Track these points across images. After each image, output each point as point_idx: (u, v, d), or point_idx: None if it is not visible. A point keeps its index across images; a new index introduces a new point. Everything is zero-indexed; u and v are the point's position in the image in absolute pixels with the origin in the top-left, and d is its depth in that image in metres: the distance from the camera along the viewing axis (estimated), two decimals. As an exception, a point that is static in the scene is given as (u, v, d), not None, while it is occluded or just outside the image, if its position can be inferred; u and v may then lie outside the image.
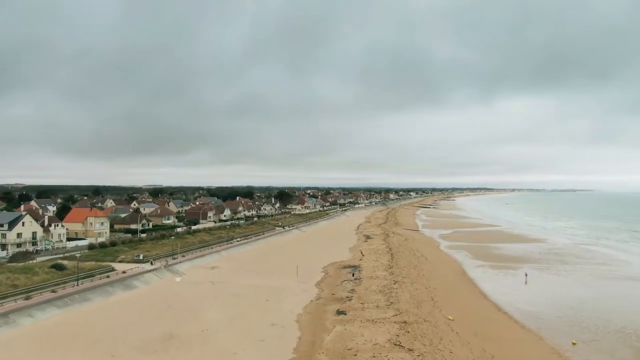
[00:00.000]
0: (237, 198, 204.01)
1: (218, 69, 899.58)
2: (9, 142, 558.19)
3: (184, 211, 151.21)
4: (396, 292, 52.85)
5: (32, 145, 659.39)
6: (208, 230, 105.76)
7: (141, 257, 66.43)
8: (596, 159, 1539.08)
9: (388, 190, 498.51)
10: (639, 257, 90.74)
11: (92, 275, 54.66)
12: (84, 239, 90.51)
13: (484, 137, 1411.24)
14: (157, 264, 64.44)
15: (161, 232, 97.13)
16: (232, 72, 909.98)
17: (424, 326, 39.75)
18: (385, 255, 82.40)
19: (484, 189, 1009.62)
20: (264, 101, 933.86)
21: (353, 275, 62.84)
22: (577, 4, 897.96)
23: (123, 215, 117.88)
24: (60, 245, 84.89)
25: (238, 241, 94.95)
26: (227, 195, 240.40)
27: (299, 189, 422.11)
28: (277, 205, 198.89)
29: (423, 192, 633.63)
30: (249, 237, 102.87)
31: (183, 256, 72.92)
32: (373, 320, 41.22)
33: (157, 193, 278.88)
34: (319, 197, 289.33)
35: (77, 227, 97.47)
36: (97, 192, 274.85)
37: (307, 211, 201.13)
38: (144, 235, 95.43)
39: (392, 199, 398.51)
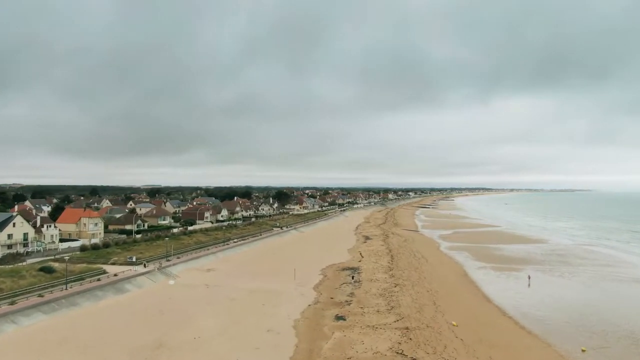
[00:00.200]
0: (235, 198, 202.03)
1: (216, 68, 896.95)
2: (7, 142, 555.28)
3: (180, 211, 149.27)
4: (397, 295, 51.11)
5: (30, 145, 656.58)
6: (204, 231, 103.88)
7: (134, 260, 64.52)
8: (594, 159, 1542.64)
9: (387, 191, 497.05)
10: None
11: (82, 279, 52.77)
12: (77, 240, 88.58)
13: (483, 137, 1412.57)
14: (151, 267, 62.53)
15: (156, 233, 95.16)
16: (231, 71, 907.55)
17: (427, 332, 38.02)
18: (385, 257, 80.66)
19: (483, 189, 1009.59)
20: (262, 101, 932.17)
21: (352, 278, 61.07)
22: (576, 3, 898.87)
23: (118, 216, 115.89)
24: (53, 246, 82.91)
25: (235, 242, 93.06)
26: (225, 195, 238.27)
27: (297, 189, 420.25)
28: (275, 205, 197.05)
29: (422, 192, 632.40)
30: (246, 238, 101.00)
31: (178, 258, 71.02)
32: (373, 326, 39.45)
33: (154, 193, 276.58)
34: (318, 197, 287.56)
35: (70, 227, 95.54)
36: (94, 192, 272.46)
37: (306, 211, 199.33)
38: (139, 236, 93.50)
39: (391, 199, 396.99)
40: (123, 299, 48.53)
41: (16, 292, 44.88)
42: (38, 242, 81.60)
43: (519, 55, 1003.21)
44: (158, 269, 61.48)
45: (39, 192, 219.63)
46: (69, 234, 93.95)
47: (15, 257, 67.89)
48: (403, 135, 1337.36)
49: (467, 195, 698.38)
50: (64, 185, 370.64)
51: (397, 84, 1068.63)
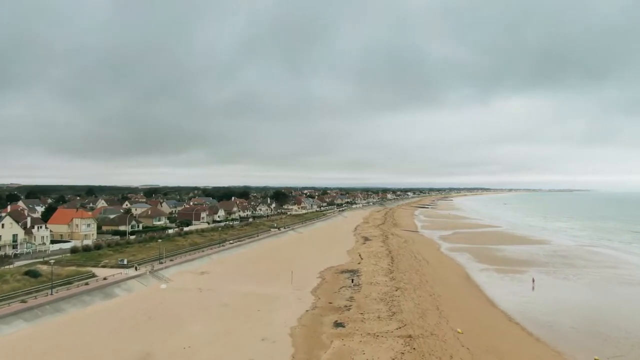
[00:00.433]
0: (233, 198, 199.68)
1: (215, 68, 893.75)
2: (5, 142, 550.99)
3: (176, 212, 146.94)
4: (398, 300, 49.00)
5: (28, 145, 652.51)
6: (200, 232, 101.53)
7: (125, 262, 62.24)
8: (593, 159, 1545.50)
9: (385, 190, 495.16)
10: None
11: (70, 283, 50.51)
12: (69, 242, 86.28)
13: (482, 137, 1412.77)
14: (143, 269, 60.30)
15: (150, 234, 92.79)
16: (229, 71, 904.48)
17: (431, 341, 35.91)
18: (385, 259, 78.56)
19: (481, 189, 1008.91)
20: (261, 101, 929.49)
21: (352, 282, 58.90)
22: (576, 3, 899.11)
23: (112, 216, 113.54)
24: (43, 248, 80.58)
25: (230, 244, 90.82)
26: (222, 195, 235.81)
27: (296, 189, 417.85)
28: (273, 205, 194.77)
29: (420, 192, 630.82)
30: (242, 239, 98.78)
31: (171, 260, 68.77)
32: (374, 334, 37.32)
33: (151, 193, 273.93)
34: (316, 197, 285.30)
35: (62, 228, 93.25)
36: (90, 192, 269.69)
37: (304, 211, 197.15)
38: (133, 237, 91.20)
39: (390, 199, 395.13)
40: (111, 304, 46.29)
41: (-2, 297, 42.63)
42: (28, 244, 79.28)
43: (518, 55, 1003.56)
44: (150, 272, 59.23)
45: (34, 193, 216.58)
46: (61, 235, 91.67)
47: (3, 260, 65.61)
48: (402, 135, 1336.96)
49: (465, 195, 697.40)
50: (62, 185, 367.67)
51: (396, 84, 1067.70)
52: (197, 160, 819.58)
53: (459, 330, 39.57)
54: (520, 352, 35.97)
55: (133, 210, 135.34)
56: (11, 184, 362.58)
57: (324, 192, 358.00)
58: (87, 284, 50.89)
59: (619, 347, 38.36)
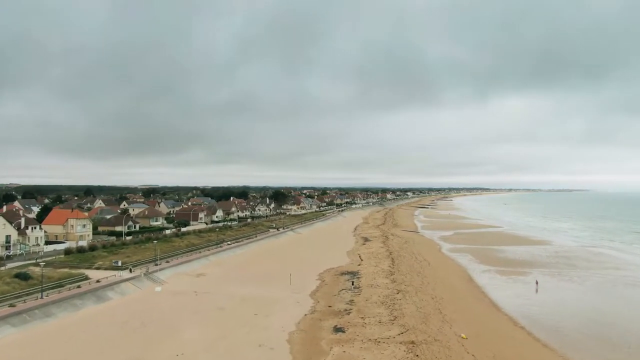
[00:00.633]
0: (231, 198, 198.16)
1: (213, 67, 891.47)
2: (4, 142, 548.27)
3: (174, 212, 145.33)
4: (400, 303, 47.59)
5: (28, 145, 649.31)
6: (198, 232, 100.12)
7: (119, 264, 60.73)
8: (591, 159, 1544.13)
9: (385, 190, 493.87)
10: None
11: (61, 286, 49.02)
12: (64, 242, 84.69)
13: (481, 137, 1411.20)
14: (137, 271, 58.80)
15: (147, 235, 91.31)
16: (228, 70, 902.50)
17: (435, 347, 34.50)
18: (386, 260, 77.15)
19: (481, 189, 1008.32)
20: (260, 100, 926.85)
21: (352, 284, 57.45)
22: (575, 3, 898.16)
23: (108, 217, 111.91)
24: (37, 249, 79.00)
25: (228, 244, 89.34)
26: (221, 195, 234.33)
27: (295, 189, 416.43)
28: (272, 205, 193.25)
29: (420, 192, 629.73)
30: (240, 240, 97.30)
31: (167, 262, 67.29)
32: (376, 340, 35.89)
33: (150, 193, 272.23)
34: (316, 197, 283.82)
35: (57, 229, 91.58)
36: (88, 192, 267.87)
37: (303, 212, 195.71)
38: (129, 238, 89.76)
39: (390, 199, 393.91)
40: (103, 308, 44.79)
41: (-15, 301, 41.16)
42: (21, 245, 77.71)
43: (517, 55, 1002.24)
44: (145, 274, 57.73)
45: (31, 192, 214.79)
46: (56, 236, 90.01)
47: (-5, 261, 64.01)
48: (401, 135, 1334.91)
49: (465, 195, 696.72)
50: (61, 185, 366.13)
51: (395, 84, 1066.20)
52: (196, 160, 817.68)
53: (463, 335, 38.18)
54: (528, 359, 34.61)
55: (130, 211, 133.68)
56: (10, 184, 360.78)
57: (323, 192, 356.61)
58: (79, 286, 49.41)
59: (630, 353, 37.03)
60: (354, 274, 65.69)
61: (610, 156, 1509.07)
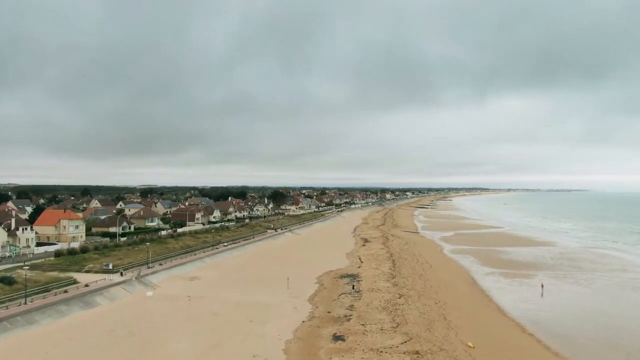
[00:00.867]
0: (229, 198, 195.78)
1: (211, 67, 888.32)
2: (2, 142, 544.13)
3: (170, 213, 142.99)
4: (402, 309, 45.44)
5: (27, 144, 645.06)
6: (194, 233, 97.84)
7: (110, 267, 58.46)
8: (591, 159, 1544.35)
9: (384, 190, 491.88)
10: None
11: (47, 290, 46.75)
12: (56, 244, 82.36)
13: (480, 137, 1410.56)
14: (129, 275, 56.56)
15: (141, 236, 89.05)
16: (226, 70, 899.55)
17: (441, 358, 32.35)
18: (386, 262, 75.00)
19: (480, 189, 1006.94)
20: (258, 100, 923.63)
21: (353, 288, 55.26)
22: (574, 2, 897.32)
23: (103, 217, 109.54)
24: (28, 251, 76.67)
25: (225, 246, 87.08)
26: (219, 195, 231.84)
27: (294, 189, 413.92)
28: (271, 206, 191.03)
29: (419, 192, 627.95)
30: (237, 241, 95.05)
31: (160, 264, 65.01)
32: (378, 349, 33.73)
33: (147, 193, 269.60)
34: (315, 197, 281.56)
35: (49, 230, 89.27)
36: (85, 192, 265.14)
37: (302, 212, 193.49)
38: (124, 239, 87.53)
39: (389, 199, 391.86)
40: (90, 314, 42.53)
41: (-35, 308, 38.90)
42: (11, 247, 75.43)
43: (516, 54, 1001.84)
44: (136, 277, 55.46)
45: (26, 192, 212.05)
46: (48, 237, 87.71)
47: (-19, 264, 61.72)
48: (400, 135, 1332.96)
49: (464, 195, 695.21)
50: (59, 185, 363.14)
51: (394, 83, 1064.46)
52: (195, 160, 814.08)
53: (470, 344, 36.07)
54: (540, 370, 32.57)
55: (126, 211, 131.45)
56: (8, 183, 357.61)
57: (322, 192, 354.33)
58: (66, 291, 47.15)
59: (645, 362, 34.99)
60: (354, 276, 63.55)
61: (610, 156, 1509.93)
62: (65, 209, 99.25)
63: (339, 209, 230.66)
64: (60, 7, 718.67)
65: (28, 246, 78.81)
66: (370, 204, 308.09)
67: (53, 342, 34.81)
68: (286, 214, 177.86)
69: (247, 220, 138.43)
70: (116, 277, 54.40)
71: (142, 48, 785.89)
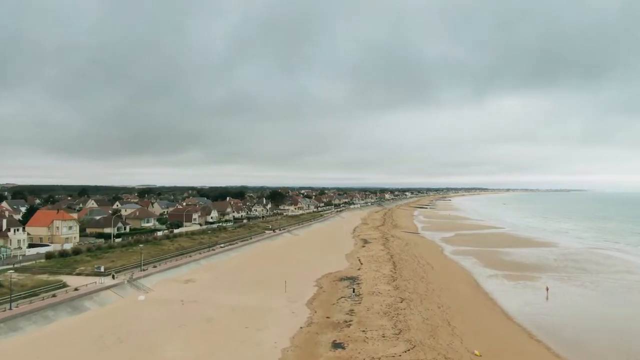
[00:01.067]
0: (227, 198, 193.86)
1: (210, 66, 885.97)
2: (1, 142, 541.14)
3: (167, 213, 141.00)
4: (404, 313, 43.67)
5: (26, 144, 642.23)
6: (190, 234, 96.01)
7: (102, 269, 56.58)
8: (590, 159, 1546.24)
9: (383, 190, 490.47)
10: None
11: (35, 295, 44.89)
12: (48, 245, 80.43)
13: (479, 137, 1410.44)
14: (121, 278, 54.69)
15: (137, 238, 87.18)
16: (225, 69, 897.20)
17: (446, 367, 30.60)
18: (387, 264, 73.23)
19: (479, 189, 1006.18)
20: (257, 100, 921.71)
21: (354, 291, 53.49)
22: (573, 1, 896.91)
23: (97, 218, 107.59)
24: (19, 253, 74.72)
25: (221, 247, 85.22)
26: (218, 195, 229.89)
27: (293, 189, 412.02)
28: (269, 206, 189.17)
29: (418, 192, 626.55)
30: (234, 242, 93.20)
31: (154, 267, 63.15)
32: (379, 358, 31.96)
33: (145, 193, 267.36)
34: (313, 197, 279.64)
35: (41, 231, 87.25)
36: (83, 192, 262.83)
37: (301, 212, 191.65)
38: (119, 240, 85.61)
39: (388, 199, 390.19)
40: (78, 320, 40.66)
41: (-54, 314, 37.01)
42: (2, 248, 73.46)
43: (515, 54, 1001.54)
44: (128, 280, 53.58)
45: (21, 192, 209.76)
46: (40, 239, 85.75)
47: (-31, 267, 59.81)
48: (399, 134, 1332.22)
49: (463, 195, 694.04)
50: (58, 185, 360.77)
51: (393, 83, 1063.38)
52: (195, 160, 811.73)
53: (476, 352, 34.31)
54: (550, 380, 30.83)
55: (123, 212, 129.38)
56: (7, 183, 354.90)
57: (321, 192, 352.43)
58: (54, 295, 45.27)
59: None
60: (353, 279, 61.77)
61: (609, 156, 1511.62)
62: (58, 210, 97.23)
63: (338, 209, 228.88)
64: (59, 6, 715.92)
65: (19, 248, 76.84)
66: (369, 204, 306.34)
67: (36, 350, 32.97)
68: (285, 214, 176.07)
69: (245, 221, 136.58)
70: (107, 281, 52.53)
71: (142, 48, 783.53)
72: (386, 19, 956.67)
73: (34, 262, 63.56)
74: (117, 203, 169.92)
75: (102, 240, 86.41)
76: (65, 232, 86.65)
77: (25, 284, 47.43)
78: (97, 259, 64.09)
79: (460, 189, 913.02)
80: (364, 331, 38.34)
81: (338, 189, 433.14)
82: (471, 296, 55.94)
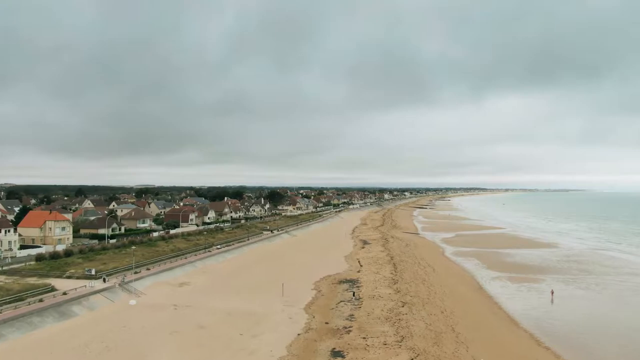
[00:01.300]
0: (225, 199, 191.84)
1: (206, 66, 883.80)
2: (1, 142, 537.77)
3: (164, 213, 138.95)
4: (406, 319, 41.90)
5: (23, 144, 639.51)
6: (186, 235, 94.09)
7: (93, 272, 54.68)
8: (588, 159, 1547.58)
9: (382, 191, 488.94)
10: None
11: (21, 299, 42.98)
12: (41, 247, 78.40)
13: (478, 137, 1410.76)
14: (113, 281, 52.81)
15: (131, 239, 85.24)
16: (222, 69, 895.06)
17: (452, 378, 28.84)
18: (387, 266, 71.46)
19: (478, 189, 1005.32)
20: (255, 99, 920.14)
21: (354, 295, 51.71)
22: (571, 1, 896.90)
23: (92, 219, 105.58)
24: (10, 254, 72.66)
25: (218, 249, 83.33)
26: (215, 195, 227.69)
27: (291, 189, 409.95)
28: (267, 206, 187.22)
29: (417, 192, 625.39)
30: (231, 243, 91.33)
31: (148, 269, 61.28)
32: (381, 368, 30.20)
33: (142, 193, 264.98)
34: (312, 197, 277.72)
35: (34, 232, 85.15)
36: (79, 192, 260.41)
37: (299, 212, 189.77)
38: (113, 241, 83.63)
39: (387, 200, 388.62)
40: (65, 326, 38.78)
41: None
42: (-8, 250, 71.44)
43: (513, 53, 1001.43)
44: (120, 284, 51.68)
45: (16, 192, 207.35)
46: (32, 240, 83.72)
47: (-44, 269, 57.86)
48: (398, 134, 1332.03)
49: (462, 195, 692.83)
50: (55, 185, 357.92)
51: (391, 83, 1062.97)
52: (193, 160, 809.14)
53: (483, 361, 32.59)
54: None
55: (119, 212, 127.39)
56: (5, 183, 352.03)
57: (320, 192, 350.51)
58: (41, 300, 43.40)
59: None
60: (353, 282, 59.98)
61: (608, 156, 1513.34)
62: (51, 210, 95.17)
63: (337, 210, 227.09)
64: (54, 5, 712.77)
65: (10, 249, 74.78)
66: (368, 204, 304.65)
67: (20, 359, 31.11)
68: (283, 214, 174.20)
69: (242, 221, 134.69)
70: (98, 284, 50.65)
71: (138, 47, 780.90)
72: (384, 18, 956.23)
73: (24, 264, 61.61)
74: (114, 203, 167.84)
75: (96, 241, 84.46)
76: (58, 233, 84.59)
77: (12, 288, 45.53)
78: (89, 261, 62.18)
79: (459, 189, 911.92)
80: (364, 338, 36.56)
81: (337, 189, 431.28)
82: (475, 300, 54.23)
